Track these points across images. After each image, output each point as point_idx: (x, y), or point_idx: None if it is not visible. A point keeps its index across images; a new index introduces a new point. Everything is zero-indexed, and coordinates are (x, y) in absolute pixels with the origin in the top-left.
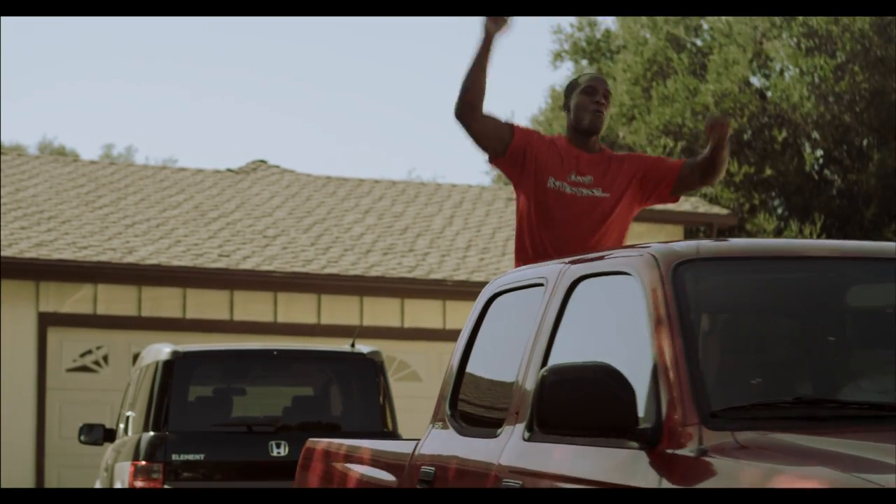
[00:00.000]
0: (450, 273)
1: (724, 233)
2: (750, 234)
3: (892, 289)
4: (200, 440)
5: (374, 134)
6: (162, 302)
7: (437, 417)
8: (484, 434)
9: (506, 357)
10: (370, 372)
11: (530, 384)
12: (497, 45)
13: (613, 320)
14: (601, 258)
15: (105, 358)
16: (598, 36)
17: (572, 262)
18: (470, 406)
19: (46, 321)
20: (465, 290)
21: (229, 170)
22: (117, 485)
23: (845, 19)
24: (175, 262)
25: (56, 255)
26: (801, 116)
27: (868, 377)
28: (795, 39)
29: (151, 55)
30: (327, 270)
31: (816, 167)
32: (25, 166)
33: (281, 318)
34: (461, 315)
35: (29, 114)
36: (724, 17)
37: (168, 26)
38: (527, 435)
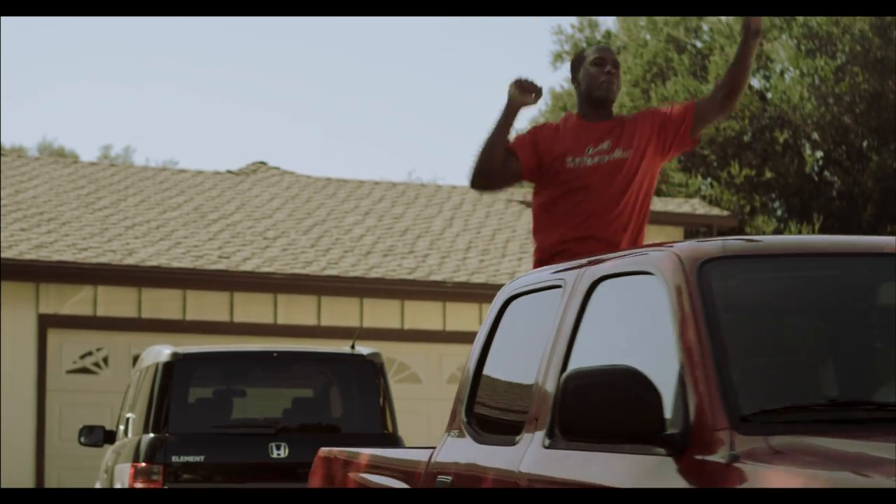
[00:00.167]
0: (450, 275)
1: (723, 234)
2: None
3: None
4: (200, 442)
5: (374, 135)
6: (162, 303)
7: (453, 425)
8: (502, 441)
9: (524, 361)
10: (370, 374)
11: (550, 389)
12: (511, 120)
13: (636, 322)
14: (621, 258)
15: (105, 359)
16: (599, 37)
17: (591, 263)
18: (487, 413)
19: (46, 323)
20: (465, 292)
21: (229, 171)
22: (117, 486)
23: (845, 21)
24: (175, 264)
25: (56, 257)
26: (801, 117)
27: None
28: (796, 41)
29: (152, 56)
30: (327, 272)
31: (816, 168)
32: (25, 168)
33: (281, 320)
34: (461, 317)
35: (29, 115)
36: (724, 19)
37: (168, 27)
38: (547, 442)
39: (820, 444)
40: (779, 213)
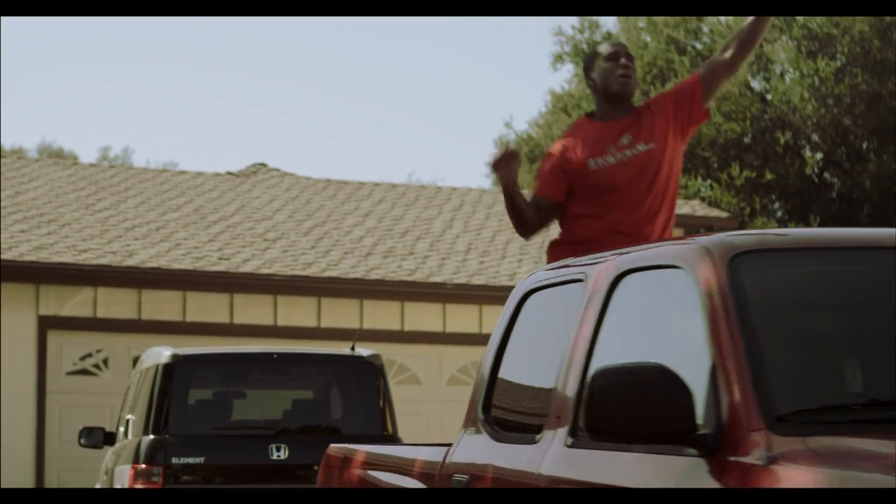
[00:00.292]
0: (450, 276)
1: None
2: None
3: None
4: (200, 443)
5: (374, 137)
6: (162, 305)
7: (469, 422)
8: (521, 440)
9: (543, 358)
10: (370, 375)
11: (572, 387)
12: (516, 185)
13: (662, 317)
14: (647, 251)
15: (105, 361)
16: (599, 38)
17: (615, 256)
18: (505, 410)
19: (46, 324)
20: (464, 294)
21: (229, 173)
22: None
23: (845, 22)
24: (175, 266)
25: (56, 259)
26: (801, 119)
27: None
28: (796, 42)
29: (151, 57)
30: (327, 273)
31: (816, 170)
32: (25, 169)
33: (281, 322)
34: (461, 318)
35: (28, 116)
36: (724, 21)
37: (168, 29)
38: (570, 441)
39: (861, 446)
40: (779, 214)
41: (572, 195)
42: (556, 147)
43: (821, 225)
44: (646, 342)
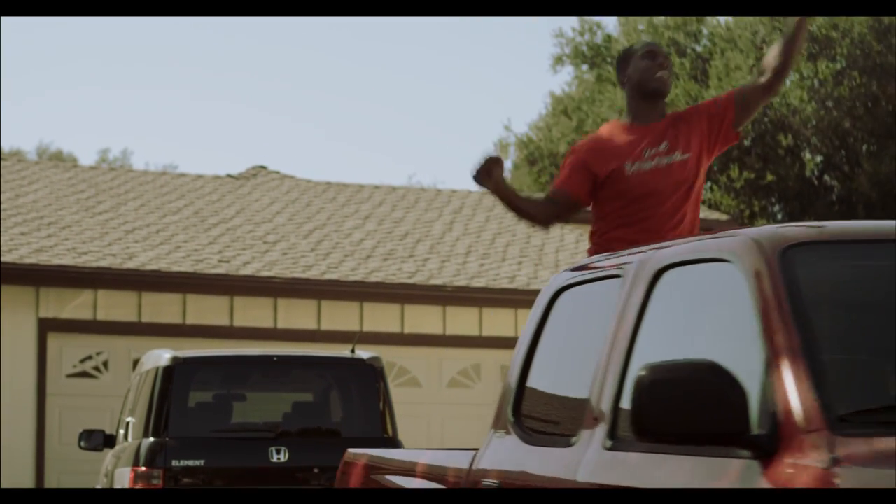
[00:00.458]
0: (450, 279)
1: None
2: None
3: None
4: (200, 446)
5: (373, 139)
6: (162, 308)
7: (498, 424)
8: (555, 443)
9: (578, 357)
10: (370, 378)
11: (610, 387)
12: (507, 188)
13: (708, 313)
14: (688, 244)
15: (105, 364)
16: (599, 40)
17: (654, 250)
18: (537, 411)
19: (46, 327)
20: (465, 296)
21: (229, 175)
22: None
23: (845, 24)
24: (175, 268)
25: (56, 261)
26: (800, 121)
27: None
28: None
29: (151, 59)
30: (327, 276)
31: (816, 172)
32: (25, 172)
33: (281, 324)
34: (461, 320)
35: (26, 117)
36: (724, 23)
37: (167, 30)
38: (608, 444)
39: None
40: (779, 216)
41: (604, 198)
42: (585, 144)
43: None
44: (691, 339)
